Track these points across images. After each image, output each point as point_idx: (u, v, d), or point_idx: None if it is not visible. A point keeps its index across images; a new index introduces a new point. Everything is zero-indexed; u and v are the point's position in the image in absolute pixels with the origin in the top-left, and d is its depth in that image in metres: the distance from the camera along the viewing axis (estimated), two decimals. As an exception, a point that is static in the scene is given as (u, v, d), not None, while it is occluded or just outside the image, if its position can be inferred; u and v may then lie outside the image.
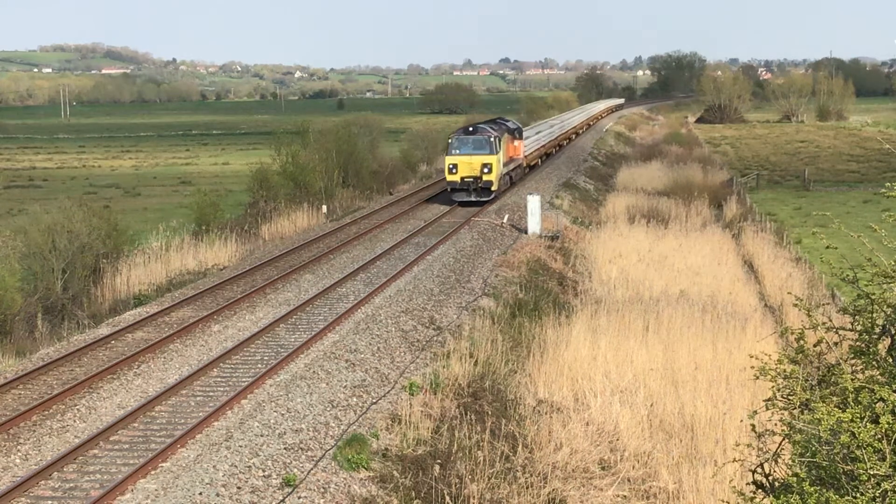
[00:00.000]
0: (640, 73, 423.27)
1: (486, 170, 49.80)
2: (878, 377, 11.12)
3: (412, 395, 22.84)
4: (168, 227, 44.82)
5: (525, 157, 61.52)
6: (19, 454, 18.49)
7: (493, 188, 50.35)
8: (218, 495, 16.37)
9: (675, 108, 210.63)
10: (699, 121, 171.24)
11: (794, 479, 10.87)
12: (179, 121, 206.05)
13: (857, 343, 11.58)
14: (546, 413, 23.40)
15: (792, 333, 12.34)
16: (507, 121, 60.76)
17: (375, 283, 33.09)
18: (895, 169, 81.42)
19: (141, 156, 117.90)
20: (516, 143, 57.90)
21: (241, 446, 18.38)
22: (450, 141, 51.12)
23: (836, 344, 11.85)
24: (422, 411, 21.78)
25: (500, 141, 51.00)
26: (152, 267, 38.45)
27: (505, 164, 53.16)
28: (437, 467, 19.31)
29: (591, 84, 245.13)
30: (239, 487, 16.79)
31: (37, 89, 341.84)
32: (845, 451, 10.49)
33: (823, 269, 36.04)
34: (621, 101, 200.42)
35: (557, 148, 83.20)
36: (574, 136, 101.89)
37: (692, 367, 25.69)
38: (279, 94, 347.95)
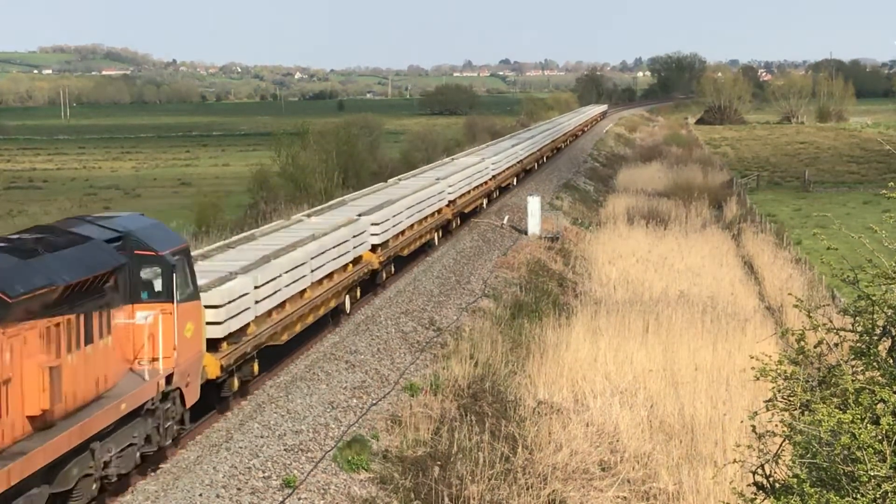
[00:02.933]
0: (640, 74, 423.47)
1: None
2: (879, 378, 11.12)
3: (412, 396, 22.82)
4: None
5: (234, 338, 20.22)
6: (19, 455, 18.41)
7: None
8: (218, 496, 16.36)
9: (675, 109, 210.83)
10: (699, 122, 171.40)
11: (795, 480, 10.86)
12: (179, 122, 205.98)
13: (858, 344, 11.58)
14: (546, 414, 23.39)
15: (792, 334, 12.34)
16: (89, 222, 17.38)
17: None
18: (895, 170, 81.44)
19: (141, 157, 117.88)
20: (145, 322, 16.83)
21: (241, 447, 18.37)
22: None
23: (836, 345, 11.85)
24: (422, 412, 21.77)
25: None
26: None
27: None
28: (437, 468, 19.30)
29: (591, 85, 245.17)
30: (239, 489, 16.79)
31: (37, 90, 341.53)
32: (846, 452, 10.48)
33: (824, 270, 36.04)
34: (604, 107, 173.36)
35: (458, 220, 43.46)
36: (520, 174, 62.49)
37: (692, 368, 25.69)
38: (279, 96, 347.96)
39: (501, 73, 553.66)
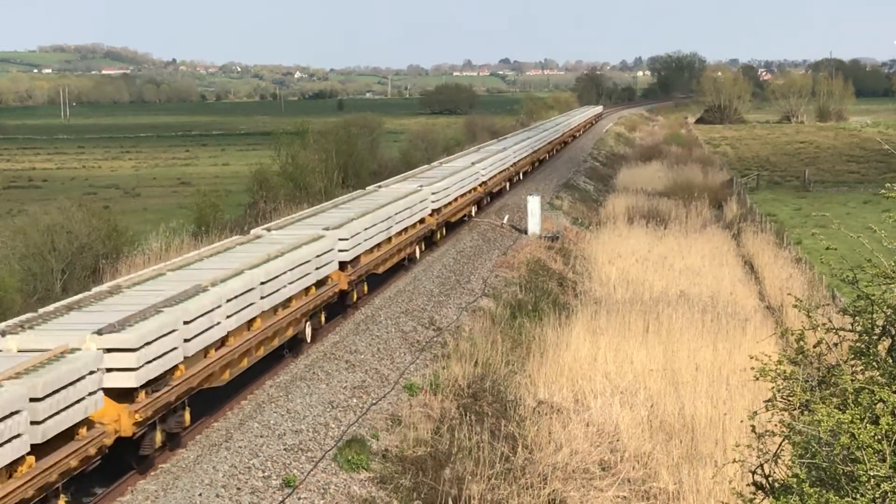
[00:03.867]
0: (640, 73, 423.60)
1: None
2: (878, 378, 11.13)
3: (412, 395, 22.83)
4: (168, 227, 44.80)
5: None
6: (19, 455, 18.38)
7: None
8: (218, 496, 16.37)
9: (674, 108, 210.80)
10: (699, 121, 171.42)
11: (794, 480, 10.86)
12: (179, 121, 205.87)
13: (857, 344, 11.59)
14: (546, 414, 23.39)
15: (792, 334, 12.34)
16: None
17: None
18: (895, 170, 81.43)
19: (140, 156, 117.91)
20: None
21: (240, 447, 18.38)
22: None
23: (836, 345, 11.86)
24: (422, 412, 21.78)
25: None
26: (152, 268, 38.37)
27: None
28: (437, 468, 19.30)
29: (591, 85, 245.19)
30: (239, 488, 16.79)
31: (36, 90, 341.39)
32: (845, 452, 10.49)
33: (823, 270, 36.04)
34: (599, 108, 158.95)
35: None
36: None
37: (692, 367, 25.68)
38: (279, 95, 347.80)
39: (501, 72, 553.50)
